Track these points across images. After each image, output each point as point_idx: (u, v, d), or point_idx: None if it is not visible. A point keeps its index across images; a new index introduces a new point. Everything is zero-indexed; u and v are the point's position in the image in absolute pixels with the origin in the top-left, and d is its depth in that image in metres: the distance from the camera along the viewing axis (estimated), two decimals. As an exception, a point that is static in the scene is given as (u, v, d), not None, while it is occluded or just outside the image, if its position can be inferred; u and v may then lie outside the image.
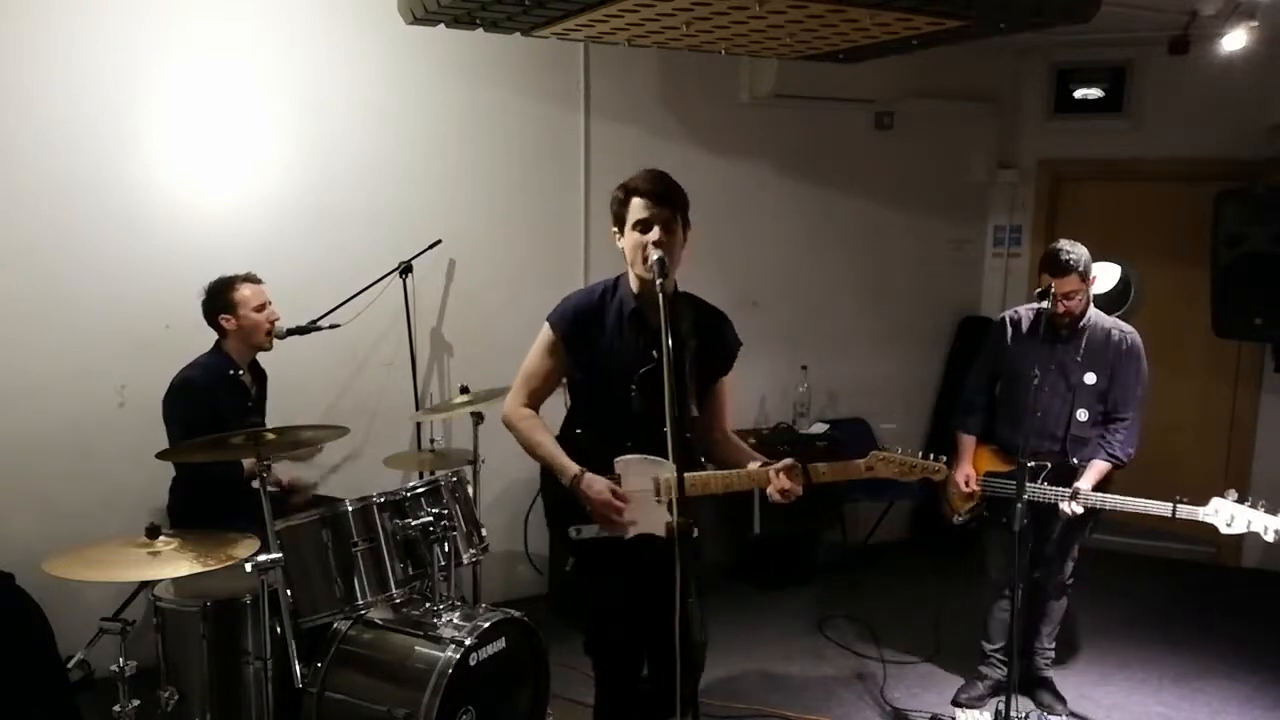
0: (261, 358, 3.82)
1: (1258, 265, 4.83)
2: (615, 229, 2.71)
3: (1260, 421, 5.62)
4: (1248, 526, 3.25)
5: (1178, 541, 5.67)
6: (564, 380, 2.89)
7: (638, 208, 2.61)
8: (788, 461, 2.62)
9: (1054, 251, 3.52)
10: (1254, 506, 3.26)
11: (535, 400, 2.83)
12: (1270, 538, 3.21)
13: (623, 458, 2.71)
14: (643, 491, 2.70)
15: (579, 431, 2.82)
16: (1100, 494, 3.52)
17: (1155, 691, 4.13)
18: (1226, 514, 3.28)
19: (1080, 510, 3.49)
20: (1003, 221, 6.11)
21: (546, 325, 2.80)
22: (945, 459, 2.69)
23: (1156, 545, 5.67)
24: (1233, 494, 3.30)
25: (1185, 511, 3.32)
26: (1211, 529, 3.33)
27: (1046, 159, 5.97)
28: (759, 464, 2.73)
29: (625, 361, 2.71)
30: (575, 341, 2.76)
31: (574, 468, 2.70)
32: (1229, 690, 4.14)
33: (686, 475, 2.54)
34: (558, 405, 2.94)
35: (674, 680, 2.53)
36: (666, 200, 2.61)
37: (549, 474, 2.80)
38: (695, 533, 2.67)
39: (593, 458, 2.72)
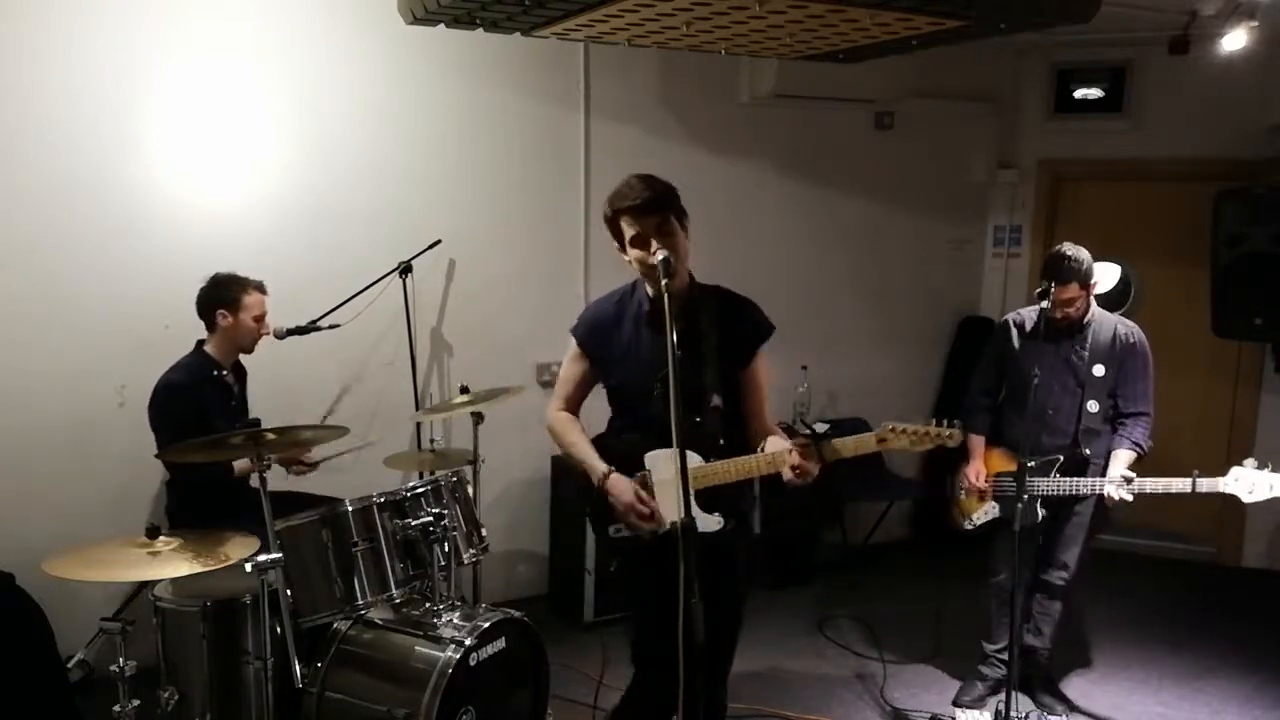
0: (263, 357, 3.82)
1: (1258, 265, 4.84)
2: (616, 244, 2.70)
3: (1260, 421, 5.62)
4: (1270, 491, 3.23)
5: (1178, 541, 5.67)
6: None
7: (628, 224, 2.60)
8: (802, 440, 2.57)
9: (1056, 257, 3.51)
10: (1275, 470, 3.24)
11: (570, 405, 2.89)
12: None
13: (653, 453, 2.72)
14: (668, 483, 2.68)
15: (616, 432, 2.86)
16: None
17: (1155, 691, 4.13)
18: (1248, 481, 3.27)
19: (1129, 497, 3.42)
20: (1003, 221, 6.11)
21: (571, 335, 2.87)
22: (959, 422, 2.59)
23: (1157, 545, 5.67)
24: (1251, 462, 3.28)
25: (1205, 484, 3.30)
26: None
27: (1046, 159, 5.96)
28: (772, 447, 2.68)
29: (646, 362, 2.71)
30: (594, 348, 2.81)
31: (602, 468, 2.72)
32: (1229, 690, 4.14)
33: (707, 466, 2.59)
34: (602, 408, 2.94)
35: (710, 678, 2.45)
36: (651, 207, 2.57)
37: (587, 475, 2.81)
38: (729, 525, 2.67)
39: (629, 457, 2.74)
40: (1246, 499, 3.28)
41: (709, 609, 2.25)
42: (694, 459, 2.64)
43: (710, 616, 2.25)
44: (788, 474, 2.56)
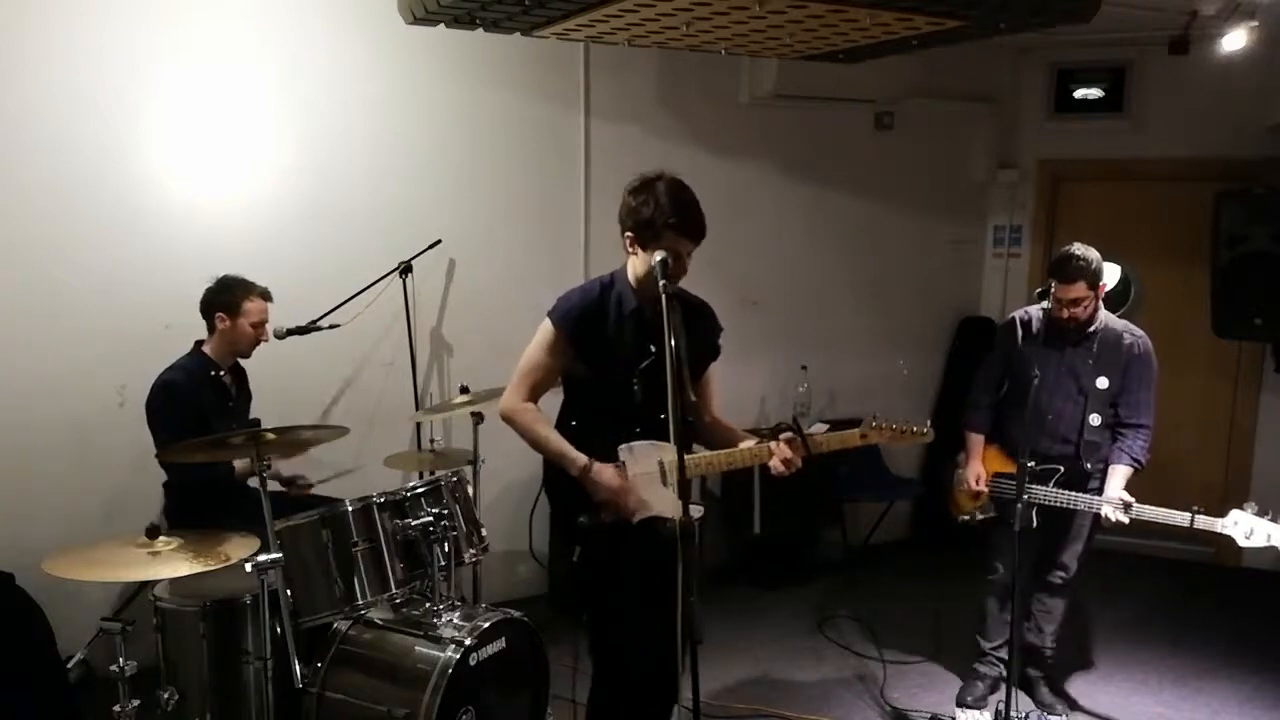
0: (263, 357, 3.82)
1: (1258, 265, 4.84)
2: (631, 235, 2.69)
3: (1260, 421, 5.63)
4: (1267, 540, 3.20)
5: (1177, 541, 5.66)
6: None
7: (675, 239, 2.63)
8: (788, 434, 2.72)
9: (1063, 256, 3.49)
10: (1275, 519, 3.20)
11: (535, 396, 2.83)
12: None
13: (626, 444, 2.74)
14: (647, 475, 2.74)
15: (576, 423, 2.83)
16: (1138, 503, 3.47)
17: (1155, 692, 4.13)
18: (1246, 526, 3.24)
19: (1127, 520, 3.41)
20: (1003, 221, 6.12)
21: (549, 323, 2.79)
22: (930, 422, 2.89)
23: (1156, 545, 5.67)
24: (1252, 506, 3.25)
25: (1203, 522, 3.27)
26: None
27: (1046, 159, 5.97)
28: (756, 441, 2.83)
29: (626, 357, 2.74)
30: (581, 340, 2.77)
31: (582, 459, 2.72)
32: (1229, 690, 4.14)
33: (690, 457, 2.61)
34: (554, 397, 2.92)
35: (670, 675, 2.53)
36: (701, 240, 2.69)
37: (552, 466, 2.81)
38: (701, 513, 2.71)
39: (592, 448, 2.74)
40: (1242, 543, 3.25)
41: (663, 596, 2.37)
42: (669, 451, 2.68)
43: (664, 605, 2.37)
44: (777, 467, 2.71)
